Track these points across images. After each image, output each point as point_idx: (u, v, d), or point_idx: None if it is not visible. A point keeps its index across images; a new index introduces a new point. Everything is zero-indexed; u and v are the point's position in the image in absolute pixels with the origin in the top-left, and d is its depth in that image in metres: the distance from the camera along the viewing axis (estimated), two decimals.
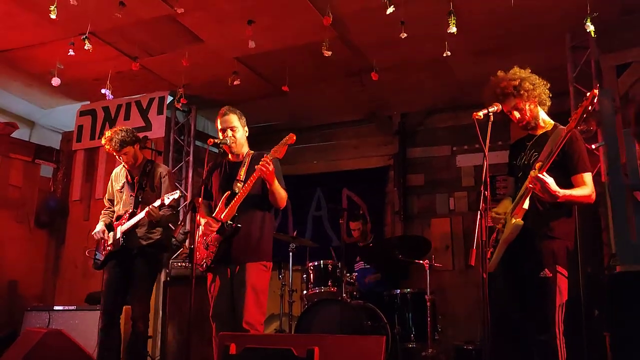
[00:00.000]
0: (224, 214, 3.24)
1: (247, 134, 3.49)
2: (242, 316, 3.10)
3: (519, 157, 2.93)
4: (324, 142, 6.98)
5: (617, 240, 3.23)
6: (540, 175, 2.55)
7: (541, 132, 2.88)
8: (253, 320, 3.13)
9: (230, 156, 3.48)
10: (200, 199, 3.21)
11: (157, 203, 3.73)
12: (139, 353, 3.92)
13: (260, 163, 3.11)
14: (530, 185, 2.62)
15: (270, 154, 3.17)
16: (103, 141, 4.03)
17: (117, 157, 4.04)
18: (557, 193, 2.56)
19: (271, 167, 3.11)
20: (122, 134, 3.94)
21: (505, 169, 3.15)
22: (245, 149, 3.48)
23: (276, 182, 3.20)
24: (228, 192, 3.29)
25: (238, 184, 3.29)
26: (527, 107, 2.83)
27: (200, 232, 3.34)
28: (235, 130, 3.38)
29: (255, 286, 3.19)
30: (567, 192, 2.61)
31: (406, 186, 6.38)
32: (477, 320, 5.61)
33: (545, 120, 2.90)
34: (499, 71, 2.92)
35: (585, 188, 2.68)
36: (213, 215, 3.31)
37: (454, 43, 4.39)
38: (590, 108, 2.47)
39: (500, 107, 2.81)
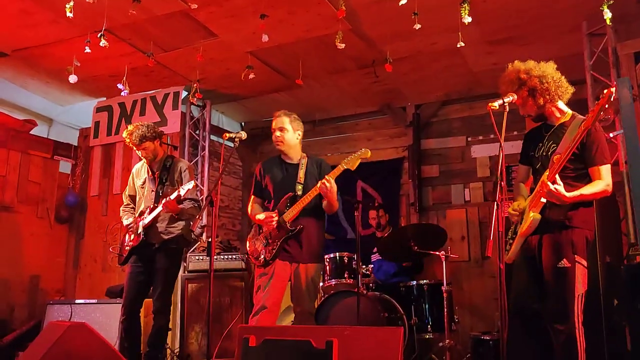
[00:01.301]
0: (285, 213, 3.43)
1: (299, 138, 3.63)
2: (309, 308, 3.49)
3: (537, 148, 2.89)
4: (338, 135, 6.98)
5: (638, 229, 3.20)
6: (548, 183, 2.55)
7: (559, 123, 2.84)
8: (312, 310, 3.54)
9: (282, 155, 3.63)
10: (218, 195, 3.29)
11: (174, 195, 3.76)
12: (160, 345, 3.99)
13: (321, 182, 3.32)
14: (539, 190, 2.63)
15: (342, 164, 3.42)
16: (124, 134, 4.06)
17: (136, 151, 4.09)
18: (564, 198, 2.56)
19: (333, 187, 3.32)
20: (143, 129, 4.00)
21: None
22: (296, 150, 3.64)
23: (335, 198, 3.41)
24: (290, 194, 3.47)
25: (299, 186, 3.49)
26: (539, 102, 2.80)
27: (259, 227, 3.53)
28: (285, 132, 3.55)
29: (316, 282, 3.53)
30: (577, 193, 2.59)
31: (421, 177, 6.36)
32: (493, 311, 5.60)
33: (562, 110, 2.85)
34: (515, 62, 2.87)
35: (599, 183, 2.64)
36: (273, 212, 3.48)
37: (468, 33, 4.36)
38: (607, 106, 2.45)
39: (516, 96, 2.79)
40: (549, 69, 2.79)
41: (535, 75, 2.75)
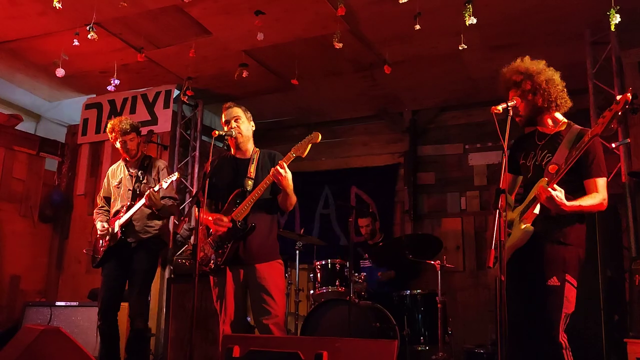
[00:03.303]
0: (235, 211, 3.12)
1: (252, 130, 3.38)
2: (269, 315, 3.03)
3: (529, 156, 2.75)
4: (333, 139, 6.84)
5: None
6: (549, 189, 2.40)
7: (554, 132, 2.70)
8: (280, 320, 3.07)
9: (233, 151, 3.35)
10: (204, 195, 3.06)
11: (157, 187, 3.68)
12: (140, 351, 3.83)
13: (274, 168, 3.01)
14: (536, 194, 2.48)
15: (292, 151, 3.07)
16: (108, 127, 3.97)
17: (120, 144, 3.96)
18: (563, 206, 2.41)
19: (288, 174, 3.02)
20: (129, 120, 3.97)
21: None
22: (251, 145, 3.36)
23: (291, 188, 3.09)
24: (238, 190, 3.17)
25: (249, 182, 3.18)
26: (537, 102, 2.67)
27: (207, 230, 3.21)
28: (240, 122, 3.28)
29: (278, 284, 3.13)
30: (575, 203, 2.45)
31: (416, 185, 6.24)
32: (487, 323, 5.47)
33: (558, 119, 2.72)
34: (526, 57, 2.75)
35: (596, 196, 2.50)
36: (221, 212, 3.18)
37: (469, 38, 4.25)
38: (620, 113, 2.32)
39: (520, 101, 2.67)
40: (557, 76, 2.70)
41: (544, 76, 2.65)
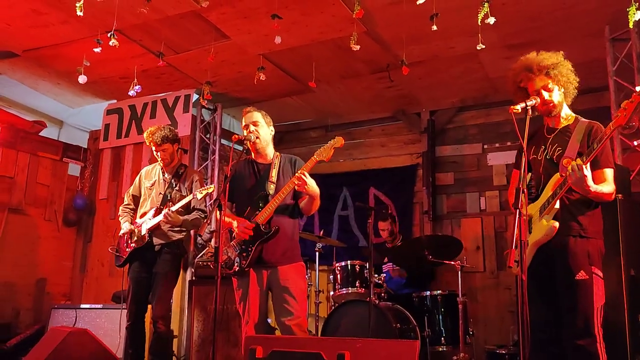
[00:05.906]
0: (258, 215, 3.16)
1: (272, 134, 3.41)
2: (291, 316, 3.05)
3: (540, 150, 2.75)
4: (351, 141, 6.84)
5: None
6: (584, 166, 2.40)
7: (563, 126, 2.72)
8: (302, 321, 3.09)
9: (253, 155, 3.40)
10: (225, 198, 3.11)
11: (175, 208, 3.73)
12: (162, 353, 3.88)
13: (295, 177, 3.04)
14: (566, 174, 2.46)
15: (315, 156, 3.12)
16: (145, 135, 4.05)
17: (155, 152, 4.05)
18: (590, 188, 2.43)
19: (309, 179, 3.03)
20: (166, 130, 4.02)
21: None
22: (270, 149, 3.40)
23: (317, 193, 3.12)
24: (261, 193, 3.22)
25: (271, 185, 3.23)
26: (556, 90, 2.68)
27: (230, 233, 3.26)
28: (259, 126, 3.32)
29: (300, 285, 3.17)
30: (598, 188, 2.47)
31: (435, 185, 6.21)
32: (509, 324, 5.43)
33: (567, 112, 2.75)
34: (536, 53, 2.75)
35: (608, 185, 2.53)
36: (244, 216, 3.22)
37: (486, 37, 4.22)
38: None
39: (539, 100, 2.66)
40: (569, 64, 2.71)
41: (565, 67, 2.66)
